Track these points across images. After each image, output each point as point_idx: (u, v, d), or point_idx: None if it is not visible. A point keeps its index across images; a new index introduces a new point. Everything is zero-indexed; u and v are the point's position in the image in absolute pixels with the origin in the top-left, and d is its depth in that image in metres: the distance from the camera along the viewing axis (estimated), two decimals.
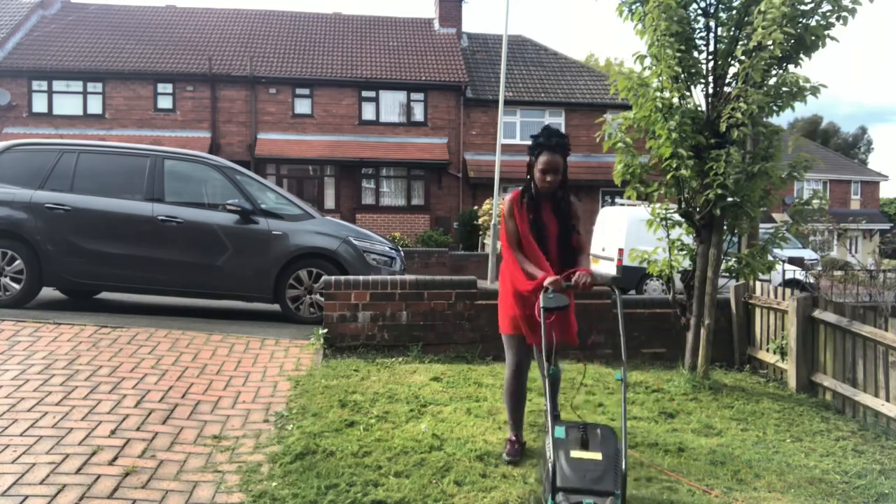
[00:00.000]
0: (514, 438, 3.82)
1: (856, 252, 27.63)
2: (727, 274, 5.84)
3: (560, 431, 2.88)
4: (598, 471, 2.69)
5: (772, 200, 5.62)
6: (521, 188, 3.76)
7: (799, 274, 12.82)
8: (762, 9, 4.91)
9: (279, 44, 23.97)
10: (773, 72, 5.20)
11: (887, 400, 4.81)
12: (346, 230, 7.76)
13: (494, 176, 16.85)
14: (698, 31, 5.61)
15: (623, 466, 2.75)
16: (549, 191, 3.63)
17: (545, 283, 3.40)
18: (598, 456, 2.76)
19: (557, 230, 3.67)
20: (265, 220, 7.31)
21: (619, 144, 5.73)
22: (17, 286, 6.99)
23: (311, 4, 67.40)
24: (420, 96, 23.25)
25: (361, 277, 6.28)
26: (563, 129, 23.83)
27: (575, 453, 2.77)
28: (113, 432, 3.77)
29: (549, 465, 2.77)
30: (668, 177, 5.54)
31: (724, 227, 5.63)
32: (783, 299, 6.04)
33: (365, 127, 22.78)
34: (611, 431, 2.92)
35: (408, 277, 6.37)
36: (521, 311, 3.64)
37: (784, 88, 5.14)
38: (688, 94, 5.52)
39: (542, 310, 3.33)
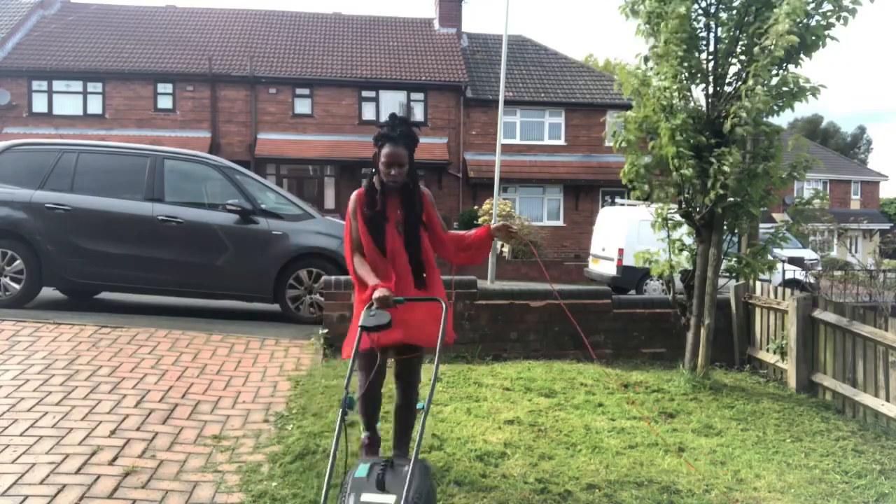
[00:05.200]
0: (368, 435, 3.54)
1: (856, 252, 27.63)
2: (727, 274, 5.84)
3: (363, 470, 2.61)
4: None
5: (772, 200, 5.62)
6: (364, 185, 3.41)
7: (799, 274, 12.82)
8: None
9: (279, 44, 23.97)
10: (774, 72, 5.20)
11: (887, 400, 4.81)
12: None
13: (494, 176, 16.84)
14: (699, 30, 5.61)
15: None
16: (396, 185, 3.31)
17: (374, 296, 3.04)
18: (389, 500, 2.47)
19: (405, 230, 3.34)
20: (265, 220, 7.30)
21: (624, 143, 5.73)
22: (17, 286, 6.99)
23: (311, 4, 67.41)
24: (420, 96, 23.25)
25: None
26: (562, 129, 23.98)
27: (366, 496, 2.49)
28: (113, 432, 3.76)
29: None
30: (673, 176, 5.54)
31: (725, 227, 5.63)
32: (783, 299, 6.04)
33: (365, 127, 22.76)
34: (422, 469, 2.65)
35: None
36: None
37: (785, 88, 5.14)
38: (689, 93, 5.52)
39: (360, 328, 2.95)
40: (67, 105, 21.72)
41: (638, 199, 6.01)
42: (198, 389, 4.61)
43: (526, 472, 3.61)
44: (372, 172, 3.36)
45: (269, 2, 53.35)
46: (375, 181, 3.32)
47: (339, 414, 2.74)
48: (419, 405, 2.92)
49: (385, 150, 3.24)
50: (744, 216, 5.54)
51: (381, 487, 2.50)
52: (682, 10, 5.16)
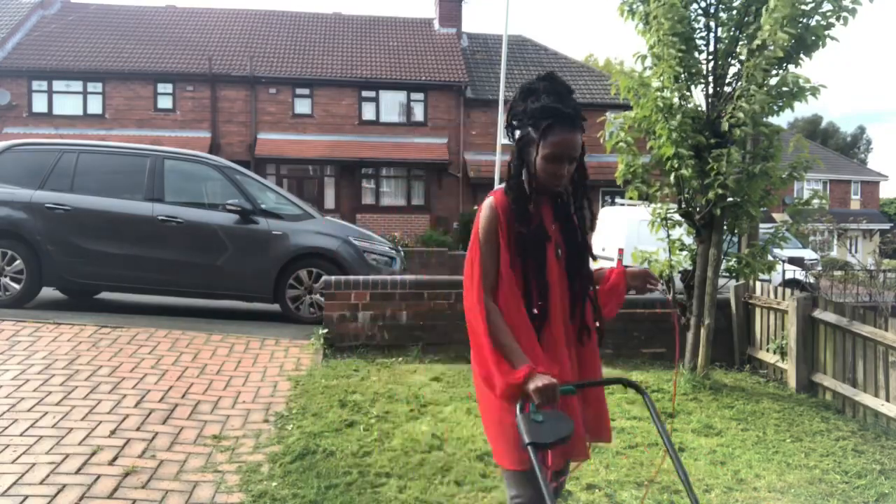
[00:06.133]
0: None
1: (856, 252, 27.61)
2: (727, 274, 5.84)
3: None
4: None
5: (772, 200, 5.62)
6: (503, 187, 2.14)
7: (799, 274, 12.82)
8: (771, 6, 4.88)
9: (279, 44, 23.96)
10: (774, 72, 5.20)
11: (887, 400, 4.80)
12: (346, 230, 7.77)
13: (494, 176, 16.86)
14: (698, 31, 5.61)
15: None
16: (559, 190, 2.11)
17: (530, 387, 1.88)
18: None
19: (566, 255, 2.15)
20: (265, 220, 7.30)
21: (621, 144, 5.74)
22: (17, 286, 6.99)
23: (311, 4, 67.38)
24: (420, 96, 23.23)
25: (361, 277, 6.28)
26: None
27: None
28: (113, 432, 3.76)
29: None
30: (671, 177, 5.54)
31: (724, 227, 5.63)
32: (783, 299, 6.04)
33: (365, 127, 22.77)
34: None
35: (408, 277, 6.37)
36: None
37: (784, 88, 5.14)
38: (688, 93, 5.52)
39: (529, 447, 1.81)
40: (67, 105, 21.69)
41: (632, 198, 6.00)
42: (198, 389, 4.61)
43: None
44: (515, 168, 2.11)
45: (269, 2, 53.40)
46: (526, 183, 2.08)
47: None
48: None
49: (554, 137, 1.99)
50: (743, 216, 5.54)
51: None
52: (674, 22, 5.17)
